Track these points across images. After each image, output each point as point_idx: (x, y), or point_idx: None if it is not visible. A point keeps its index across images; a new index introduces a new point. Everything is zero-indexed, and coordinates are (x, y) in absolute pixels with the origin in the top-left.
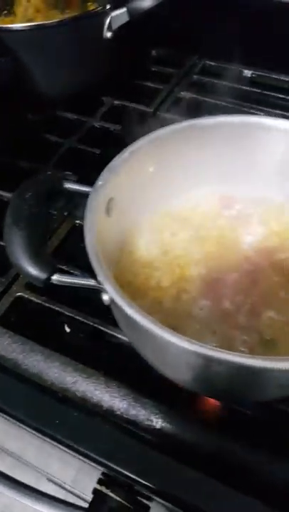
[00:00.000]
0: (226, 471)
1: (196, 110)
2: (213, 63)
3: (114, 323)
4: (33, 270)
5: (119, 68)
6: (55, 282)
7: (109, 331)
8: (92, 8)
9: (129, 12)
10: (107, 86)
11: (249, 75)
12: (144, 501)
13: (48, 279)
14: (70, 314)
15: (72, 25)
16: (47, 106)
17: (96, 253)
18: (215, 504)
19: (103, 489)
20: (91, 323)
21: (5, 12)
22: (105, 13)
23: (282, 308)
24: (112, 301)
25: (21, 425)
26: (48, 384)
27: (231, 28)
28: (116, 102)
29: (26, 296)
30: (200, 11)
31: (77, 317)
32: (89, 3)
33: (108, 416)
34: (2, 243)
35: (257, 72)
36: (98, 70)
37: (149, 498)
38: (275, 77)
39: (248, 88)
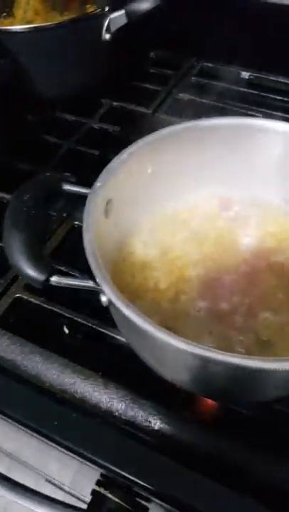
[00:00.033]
0: (224, 472)
1: (194, 112)
2: (211, 65)
3: (113, 325)
4: (31, 272)
5: (118, 70)
6: (53, 284)
7: (107, 332)
8: (90, 10)
9: (128, 14)
10: (106, 87)
11: (247, 77)
12: (143, 502)
13: (47, 280)
14: (69, 315)
15: (71, 27)
16: (46, 107)
17: (94, 255)
18: (213, 505)
19: (102, 490)
20: (90, 325)
21: (4, 14)
22: (104, 16)
23: (278, 309)
24: (110, 302)
25: (20, 426)
26: (46, 385)
27: (229, 30)
28: (115, 104)
29: (25, 297)
30: (198, 13)
31: (76, 318)
32: (88, 6)
33: (107, 417)
34: (1, 244)
35: (255, 74)
36: (97, 72)
37: (148, 499)
38: (273, 78)
39: (245, 90)
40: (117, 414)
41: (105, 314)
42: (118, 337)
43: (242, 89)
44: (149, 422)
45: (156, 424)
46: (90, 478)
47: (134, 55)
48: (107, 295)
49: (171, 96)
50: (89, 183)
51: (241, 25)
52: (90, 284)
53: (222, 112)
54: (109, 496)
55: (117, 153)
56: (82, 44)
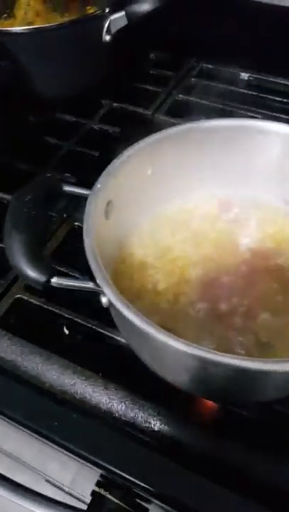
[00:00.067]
0: (224, 473)
1: (193, 113)
2: (210, 66)
3: (113, 325)
4: (32, 273)
5: (118, 71)
6: (54, 285)
7: (107, 333)
8: (91, 11)
9: (128, 16)
10: (106, 89)
11: (246, 78)
12: (143, 503)
13: (48, 281)
14: (69, 316)
15: (72, 28)
16: (46, 108)
17: (95, 256)
18: (213, 506)
19: (101, 491)
20: (90, 325)
21: (5, 15)
22: (104, 17)
23: (278, 310)
24: (110, 303)
25: (20, 427)
26: (46, 386)
27: (228, 31)
28: (115, 105)
29: (25, 298)
30: (197, 15)
31: (76, 319)
32: (88, 7)
33: (107, 418)
34: (1, 245)
35: (254, 75)
36: (97, 73)
37: (148, 501)
38: (272, 80)
39: (245, 91)
40: (117, 415)
41: (105, 315)
42: (118, 338)
43: (241, 90)
44: (149, 423)
45: (156, 425)
46: (90, 479)
47: (134, 57)
48: (108, 296)
49: (171, 97)
50: (89, 184)
51: (241, 27)
52: (90, 285)
53: (221, 113)
54: (109, 496)
55: (116, 154)
56: (83, 45)
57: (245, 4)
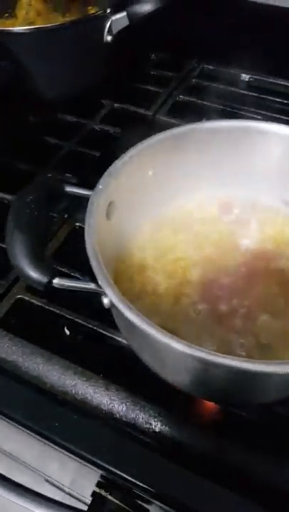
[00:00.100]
0: (225, 474)
1: (194, 113)
2: (211, 67)
3: (114, 326)
4: (34, 274)
5: (119, 71)
6: (56, 286)
7: (108, 334)
8: (92, 12)
9: (129, 16)
10: (107, 89)
11: (247, 79)
12: (143, 504)
13: (50, 282)
14: (70, 317)
15: (73, 28)
16: (47, 108)
17: (96, 257)
18: (214, 507)
19: (102, 492)
20: (91, 326)
21: (6, 15)
22: (106, 17)
23: (278, 312)
24: (112, 304)
25: (20, 427)
26: (47, 387)
27: (229, 32)
28: (116, 105)
29: (26, 298)
30: (198, 16)
31: (77, 320)
32: (89, 7)
33: (107, 419)
34: (1, 244)
35: (254, 76)
36: (98, 73)
37: (148, 501)
38: (273, 81)
39: (245, 92)
40: (118, 416)
41: (106, 316)
42: (119, 339)
43: (242, 91)
44: (150, 424)
45: (157, 426)
46: (90, 479)
47: (135, 57)
48: (109, 297)
49: (172, 98)
50: (90, 185)
51: (242, 28)
52: (91, 286)
53: (222, 114)
54: (110, 497)
55: (117, 155)
56: (84, 45)
57: (246, 5)
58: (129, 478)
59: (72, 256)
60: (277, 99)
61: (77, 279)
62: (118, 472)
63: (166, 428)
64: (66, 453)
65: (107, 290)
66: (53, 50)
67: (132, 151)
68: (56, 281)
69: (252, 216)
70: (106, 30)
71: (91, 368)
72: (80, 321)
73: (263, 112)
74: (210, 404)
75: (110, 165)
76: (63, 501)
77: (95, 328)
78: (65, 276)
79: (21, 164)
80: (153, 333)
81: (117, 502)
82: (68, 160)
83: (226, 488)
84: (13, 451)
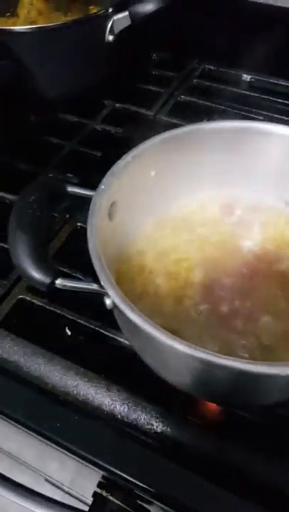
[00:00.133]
0: (227, 475)
1: (195, 114)
2: (212, 67)
3: (115, 327)
4: (37, 274)
5: (120, 71)
6: (58, 287)
7: (110, 334)
8: (94, 11)
9: (131, 16)
10: (109, 89)
11: (248, 79)
12: (145, 505)
13: (52, 283)
14: (72, 317)
15: (75, 28)
16: (48, 108)
17: (99, 258)
18: (215, 508)
19: (103, 493)
20: (92, 327)
21: (8, 14)
22: (107, 17)
23: (279, 313)
24: (114, 305)
25: (22, 428)
26: (49, 387)
27: (231, 32)
28: (117, 105)
29: (28, 298)
30: (200, 16)
31: (79, 320)
32: (91, 7)
33: (109, 419)
34: (2, 244)
35: (256, 77)
36: (99, 73)
37: (149, 502)
38: (274, 81)
39: (246, 92)
40: (119, 416)
41: (107, 316)
42: (121, 339)
43: (243, 91)
44: (152, 424)
45: (159, 427)
46: (91, 479)
47: (137, 57)
48: (112, 298)
49: (173, 98)
50: (91, 185)
51: (243, 28)
52: (94, 287)
53: (223, 115)
54: (111, 498)
55: (119, 155)
56: (85, 45)
57: (247, 6)
58: (131, 479)
59: (74, 256)
60: (279, 100)
61: (79, 279)
62: (119, 473)
63: (168, 429)
64: (67, 453)
65: (110, 291)
66: (54, 50)
67: (134, 152)
68: (59, 281)
69: (254, 217)
70: (108, 29)
71: (92, 369)
72: (81, 321)
73: (265, 113)
74: (212, 405)
75: (112, 165)
76: (63, 501)
77: (96, 328)
78: (66, 277)
79: (22, 164)
80: (155, 334)
81: (118, 503)
82: (69, 160)
83: (229, 489)
84: (13, 451)
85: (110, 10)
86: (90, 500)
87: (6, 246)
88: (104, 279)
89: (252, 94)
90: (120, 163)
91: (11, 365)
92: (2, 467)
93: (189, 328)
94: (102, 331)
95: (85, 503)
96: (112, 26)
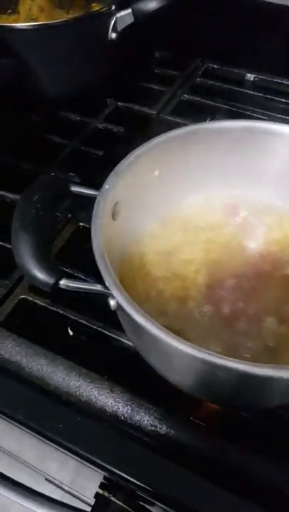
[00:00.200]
0: (229, 477)
1: (198, 113)
2: (216, 66)
3: (118, 327)
4: (40, 275)
5: (123, 70)
6: (62, 287)
7: (113, 335)
8: (97, 8)
9: (135, 13)
10: (111, 87)
11: (251, 79)
12: (147, 506)
13: (56, 284)
14: (74, 317)
15: (77, 25)
16: (50, 106)
17: (103, 258)
18: (215, 508)
19: (105, 494)
20: (95, 327)
21: (9, 11)
22: (110, 14)
23: (284, 315)
24: (118, 306)
25: (24, 428)
26: (51, 388)
27: (234, 31)
28: (120, 104)
29: (30, 298)
30: (203, 15)
31: (81, 320)
32: (94, 4)
33: (112, 421)
34: (4, 244)
35: (259, 76)
36: (102, 71)
37: (152, 503)
38: (278, 81)
39: (250, 92)
40: (122, 418)
41: (110, 316)
42: (124, 340)
43: (247, 91)
44: (155, 426)
45: (162, 428)
46: (93, 480)
47: (140, 55)
48: (117, 299)
49: (176, 97)
50: (93, 184)
51: (246, 27)
52: (98, 287)
53: (227, 114)
54: (113, 499)
55: (121, 154)
56: (88, 43)
57: (251, 4)
58: (133, 480)
59: (76, 256)
60: (283, 100)
61: (82, 279)
62: (122, 474)
63: (172, 430)
64: (69, 454)
65: (115, 292)
66: (56, 48)
67: (138, 151)
68: (63, 282)
69: (258, 218)
70: (111, 27)
71: (95, 370)
72: (83, 321)
73: (268, 113)
74: (215, 407)
75: (114, 164)
76: (63, 500)
77: (98, 329)
78: (70, 277)
79: (24, 163)
80: (160, 335)
81: (120, 504)
82: (72, 159)
83: (231, 491)
84: (14, 451)
85: (113, 7)
86: (91, 500)
87: (7, 246)
88: (109, 280)
89: (255, 93)
90: (124, 162)
91: (12, 365)
92: (2, 467)
93: (193, 329)
94: (104, 331)
95: (86, 503)
96: (115, 24)
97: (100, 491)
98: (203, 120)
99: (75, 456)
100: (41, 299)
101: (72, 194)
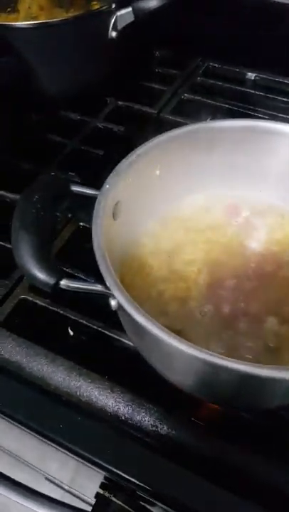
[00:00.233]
0: (230, 477)
1: (199, 112)
2: (216, 65)
3: (119, 327)
4: (41, 275)
5: (123, 68)
6: (63, 287)
7: (113, 335)
8: (97, 7)
9: (135, 12)
10: (111, 86)
11: (252, 78)
12: (147, 506)
13: (57, 284)
14: (74, 318)
15: (77, 24)
16: (50, 105)
17: (104, 258)
18: (215, 508)
19: (106, 494)
20: (95, 327)
21: (8, 9)
22: (111, 13)
23: (285, 316)
24: (119, 306)
25: (24, 429)
26: (52, 388)
27: (235, 30)
28: (120, 103)
29: (30, 298)
30: (203, 13)
31: (81, 320)
32: (94, 2)
33: (113, 421)
34: (4, 244)
35: (260, 75)
36: (102, 70)
37: (152, 503)
38: (279, 80)
39: (251, 91)
40: (123, 418)
41: (111, 317)
42: (124, 340)
43: (247, 89)
44: (156, 426)
45: (163, 428)
46: (91, 478)
47: (140, 54)
48: (118, 299)
49: (177, 96)
50: (93, 183)
51: (247, 26)
52: (99, 288)
53: (227, 113)
54: (113, 499)
55: (121, 153)
56: (88, 42)
57: (252, 3)
58: (134, 481)
59: (77, 256)
60: (284, 99)
61: (83, 280)
62: (123, 475)
63: (172, 431)
64: (69, 454)
65: (116, 292)
66: (56, 46)
67: (139, 150)
68: (63, 282)
69: (260, 219)
70: (111, 26)
71: (95, 370)
72: (84, 321)
73: (270, 112)
74: (216, 407)
75: (114, 163)
76: (63, 500)
77: (99, 329)
78: (69, 277)
79: (24, 163)
80: (161, 335)
81: (121, 504)
82: (72, 158)
83: (231, 491)
84: (14, 450)
85: (113, 6)
86: (91, 499)
87: (7, 245)
88: (109, 280)
89: (256, 92)
90: (125, 162)
91: (13, 365)
92: (2, 467)
93: (194, 330)
94: (105, 331)
95: (87, 502)
96: (115, 22)
97: (101, 491)
98: (204, 119)
99: (75, 456)
100: (41, 299)
101: (72, 194)
